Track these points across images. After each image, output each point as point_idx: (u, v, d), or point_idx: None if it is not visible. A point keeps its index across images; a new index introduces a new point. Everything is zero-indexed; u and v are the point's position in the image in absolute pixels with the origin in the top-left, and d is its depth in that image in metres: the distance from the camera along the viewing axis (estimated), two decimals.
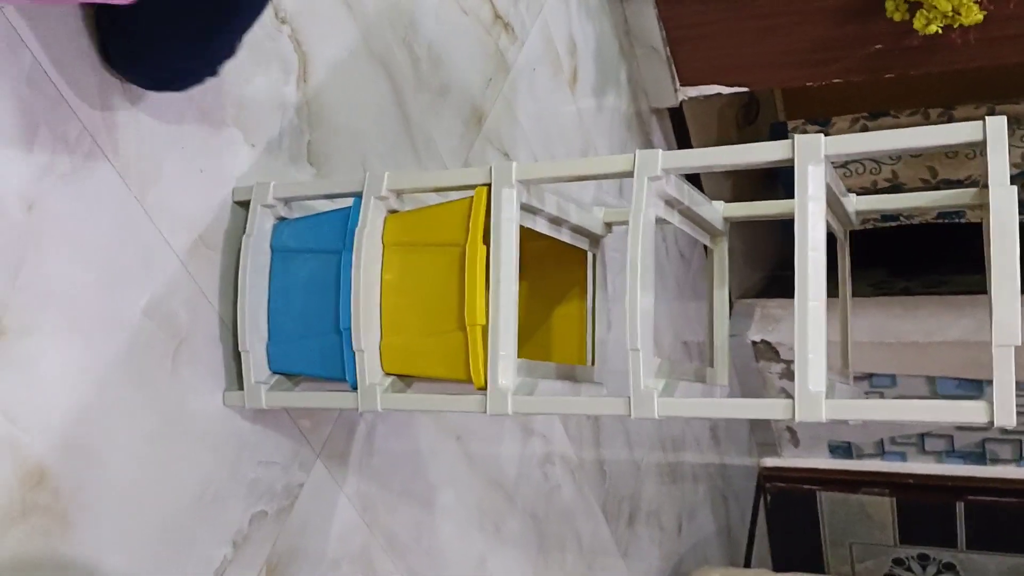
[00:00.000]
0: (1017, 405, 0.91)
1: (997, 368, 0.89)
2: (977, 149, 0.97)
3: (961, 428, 3.39)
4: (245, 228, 1.21)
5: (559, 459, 2.17)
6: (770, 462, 3.76)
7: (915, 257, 3.60)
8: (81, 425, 1.02)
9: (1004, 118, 0.94)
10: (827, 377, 0.97)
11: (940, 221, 2.97)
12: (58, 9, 1.00)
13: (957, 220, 2.94)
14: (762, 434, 3.71)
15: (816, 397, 0.95)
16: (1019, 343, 0.88)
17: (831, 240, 1.15)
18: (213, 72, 1.10)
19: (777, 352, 3.22)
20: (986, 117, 0.94)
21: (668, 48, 2.51)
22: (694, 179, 2.67)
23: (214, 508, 1.20)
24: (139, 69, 1.06)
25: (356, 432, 1.48)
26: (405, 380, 1.18)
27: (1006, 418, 0.88)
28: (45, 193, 0.99)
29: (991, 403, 0.89)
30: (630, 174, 1.07)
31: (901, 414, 0.95)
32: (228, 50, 1.09)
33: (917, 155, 2.86)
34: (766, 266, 3.63)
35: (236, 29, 1.08)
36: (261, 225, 1.20)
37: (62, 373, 1.01)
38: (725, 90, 2.54)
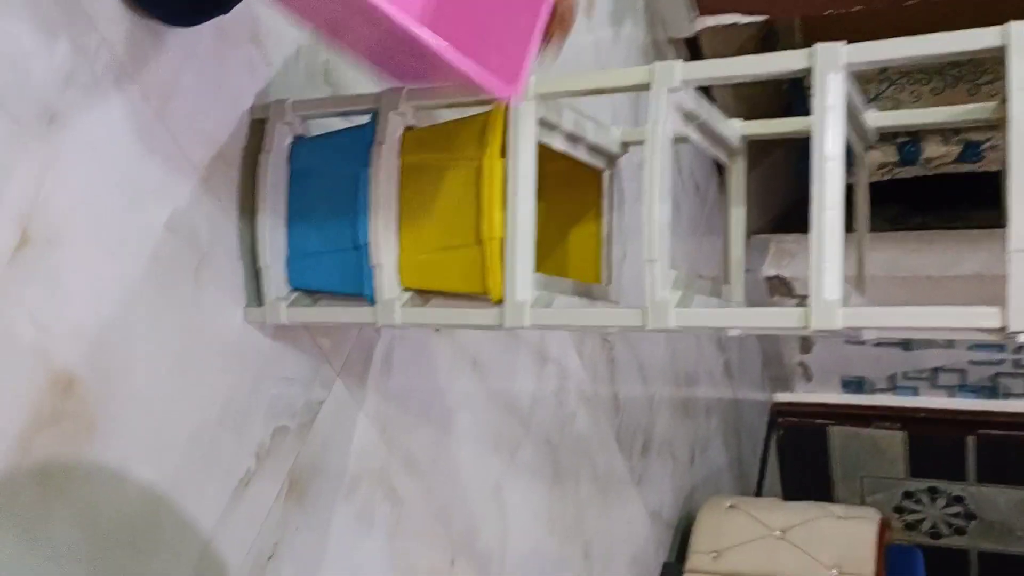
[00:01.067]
0: None
1: (1012, 273, 0.89)
2: (997, 85, 0.96)
3: (974, 363, 3.40)
4: (263, 145, 1.22)
5: (574, 388, 2.20)
6: (782, 397, 3.79)
7: (932, 195, 3.57)
8: (107, 336, 1.05)
9: None
10: (843, 288, 0.98)
11: (958, 168, 2.93)
12: None
13: (976, 167, 2.90)
14: (775, 369, 3.73)
15: (831, 305, 0.96)
16: None
17: (849, 157, 1.15)
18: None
19: (791, 287, 3.22)
20: (1009, 22, 0.93)
21: None
22: (708, 97, 2.64)
23: (237, 421, 1.23)
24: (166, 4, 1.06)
25: (374, 354, 1.51)
26: (423, 296, 1.19)
27: (1020, 322, 0.89)
28: (66, 105, 0.99)
29: (1005, 308, 0.90)
30: (648, 86, 1.07)
31: (915, 320, 0.96)
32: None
33: (939, 92, 2.83)
34: (779, 207, 3.61)
35: None
36: (279, 142, 1.21)
37: (88, 284, 1.02)
38: (743, 19, 2.50)
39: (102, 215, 1.04)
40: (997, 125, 1.18)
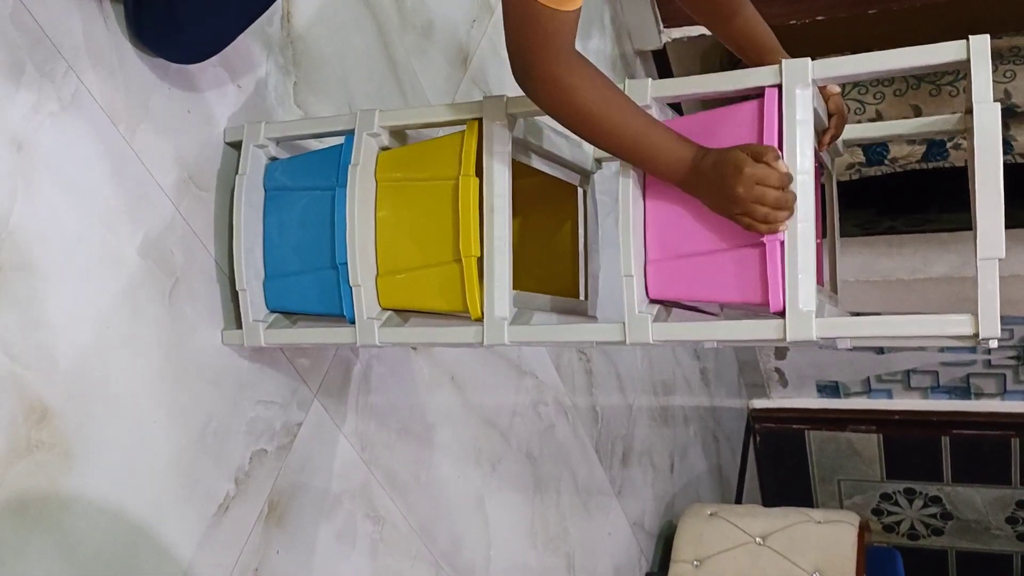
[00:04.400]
0: (1000, 339, 0.93)
1: (982, 281, 0.91)
2: (959, 85, 0.97)
3: (946, 364, 3.44)
4: (237, 168, 1.21)
5: (553, 401, 2.20)
6: (759, 403, 3.82)
7: (900, 198, 3.62)
8: (82, 362, 1.04)
9: (987, 36, 0.95)
10: (816, 298, 0.99)
11: (924, 166, 2.97)
12: None
13: (941, 162, 2.94)
14: (751, 375, 3.76)
15: (806, 316, 0.97)
16: (1003, 255, 0.90)
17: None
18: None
19: None
20: (969, 36, 0.95)
21: None
22: (677, 111, 2.67)
23: (215, 446, 1.22)
24: (178, 49, 1.10)
25: (352, 373, 1.50)
26: (402, 315, 1.19)
27: (990, 329, 0.90)
28: (33, 132, 0.99)
29: (976, 315, 0.91)
30: None
31: (888, 330, 0.97)
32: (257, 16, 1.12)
33: (901, 93, 2.87)
34: None
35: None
36: (254, 164, 1.21)
37: (61, 311, 1.02)
38: (709, 31, 2.53)
39: (73, 241, 1.03)
40: (962, 135, 1.20)
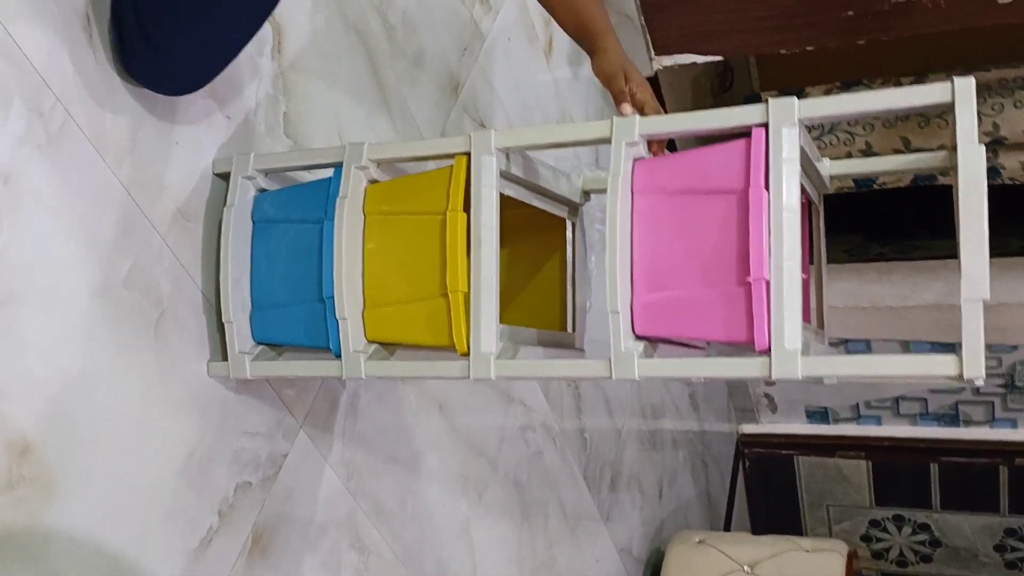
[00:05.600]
0: (988, 367, 0.93)
1: (966, 321, 0.91)
2: (948, 118, 0.98)
3: (935, 391, 3.45)
4: (226, 199, 1.21)
5: (540, 426, 2.20)
6: (748, 428, 3.81)
7: (889, 222, 3.64)
8: (65, 394, 1.03)
9: (972, 79, 0.96)
10: (803, 336, 0.99)
11: (913, 186, 2.99)
12: None
13: (930, 184, 2.96)
14: (741, 400, 3.75)
15: (792, 354, 0.97)
16: (987, 297, 0.91)
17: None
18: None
19: None
20: (954, 78, 0.96)
21: (642, 16, 2.50)
22: (670, 145, 2.68)
23: (199, 478, 1.21)
24: (163, 81, 1.10)
25: (339, 401, 1.50)
26: (388, 348, 1.19)
27: (975, 370, 0.91)
28: (20, 165, 0.98)
29: (960, 356, 0.92)
30: (608, 140, 1.08)
31: (873, 369, 0.97)
32: (242, 47, 1.12)
33: (891, 125, 2.89)
34: None
35: (252, 30, 1.11)
36: (243, 196, 1.21)
37: (45, 343, 1.01)
38: (699, 59, 2.55)
39: (58, 273, 1.03)
40: (948, 170, 1.21)
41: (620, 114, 1.11)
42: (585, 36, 1.20)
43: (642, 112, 1.15)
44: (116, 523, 1.09)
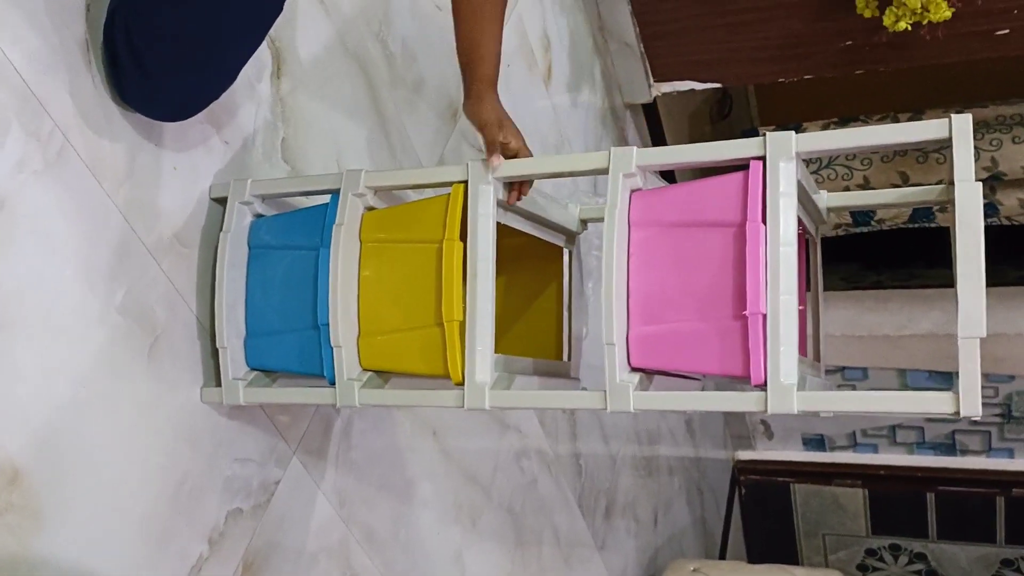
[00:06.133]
0: (983, 398, 0.93)
1: (963, 359, 0.91)
2: (945, 153, 0.99)
3: (931, 420, 3.44)
4: (222, 225, 1.21)
5: (535, 453, 2.18)
6: (745, 455, 3.80)
7: (887, 253, 3.64)
8: (55, 421, 1.02)
9: (969, 116, 0.96)
10: (799, 370, 0.99)
11: (911, 225, 3.00)
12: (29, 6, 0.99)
13: (927, 224, 2.97)
14: (737, 427, 3.74)
15: (788, 389, 0.97)
16: (983, 335, 0.90)
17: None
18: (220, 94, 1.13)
19: None
20: (952, 115, 0.96)
21: (642, 44, 2.52)
22: (668, 174, 2.69)
23: (190, 506, 1.20)
24: (158, 106, 1.10)
25: (333, 428, 1.49)
26: (383, 376, 1.18)
27: (971, 408, 0.90)
28: (17, 190, 0.98)
29: (957, 394, 0.91)
30: (605, 171, 1.08)
31: (869, 405, 0.97)
32: (236, 73, 1.13)
33: (889, 159, 2.91)
34: None
35: (245, 56, 1.11)
36: (239, 221, 1.20)
37: (37, 369, 1.00)
38: (698, 86, 2.56)
39: (52, 299, 1.02)
40: (945, 204, 1.21)
41: (489, 164, 1.11)
42: (473, 74, 1.16)
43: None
44: (105, 551, 1.08)
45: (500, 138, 1.11)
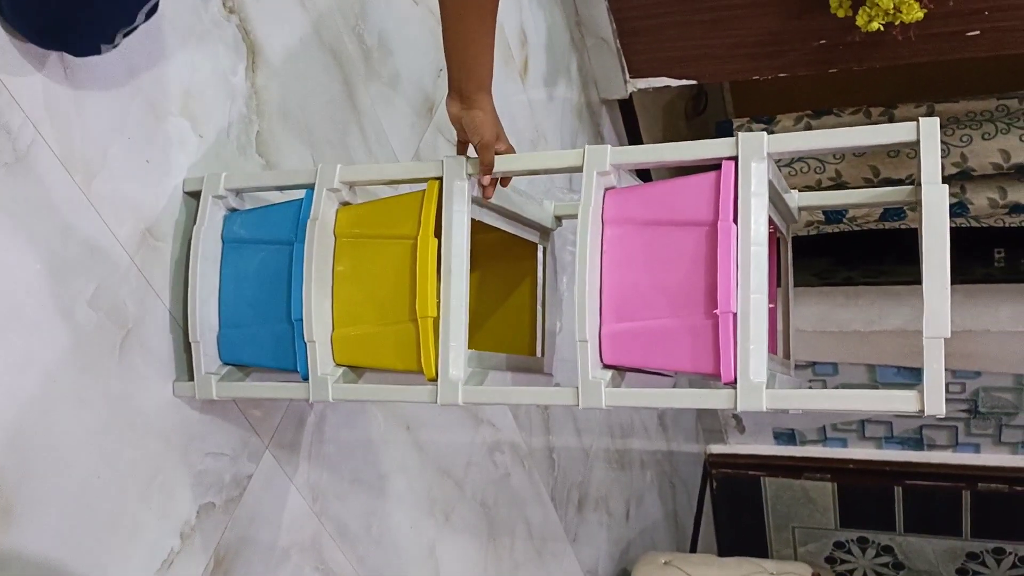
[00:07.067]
0: (951, 393, 0.95)
1: (928, 359, 0.93)
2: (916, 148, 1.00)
3: (900, 415, 3.49)
4: (195, 219, 1.20)
5: (508, 447, 2.19)
6: (716, 449, 3.83)
7: (858, 250, 3.68)
8: (25, 416, 1.01)
9: (936, 120, 0.98)
10: (768, 367, 1.00)
11: (882, 226, 3.03)
12: None
13: (899, 224, 3.00)
14: (709, 421, 3.77)
15: (757, 387, 0.98)
16: (948, 335, 0.92)
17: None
18: (106, 38, 1.00)
19: None
20: (919, 119, 0.98)
21: (618, 40, 2.53)
22: (643, 172, 2.70)
23: (161, 500, 1.20)
24: (24, 18, 0.97)
25: (306, 422, 1.49)
26: (356, 371, 1.19)
27: (935, 407, 0.92)
28: None
29: (922, 392, 0.93)
30: (580, 169, 1.09)
31: (836, 403, 0.98)
32: (123, 15, 0.99)
33: (860, 154, 2.94)
34: None
35: None
36: (212, 216, 1.20)
37: (5, 364, 0.99)
38: (674, 82, 2.57)
39: (21, 293, 1.01)
40: (913, 203, 1.23)
41: (484, 194, 1.12)
42: (468, 76, 1.07)
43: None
44: (75, 546, 1.07)
45: (494, 153, 1.08)
